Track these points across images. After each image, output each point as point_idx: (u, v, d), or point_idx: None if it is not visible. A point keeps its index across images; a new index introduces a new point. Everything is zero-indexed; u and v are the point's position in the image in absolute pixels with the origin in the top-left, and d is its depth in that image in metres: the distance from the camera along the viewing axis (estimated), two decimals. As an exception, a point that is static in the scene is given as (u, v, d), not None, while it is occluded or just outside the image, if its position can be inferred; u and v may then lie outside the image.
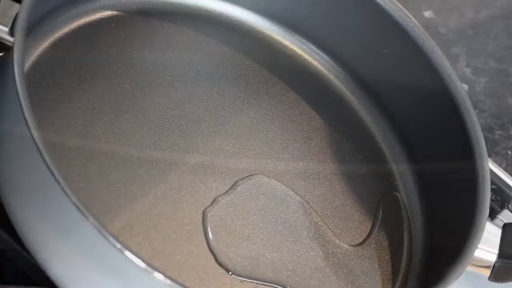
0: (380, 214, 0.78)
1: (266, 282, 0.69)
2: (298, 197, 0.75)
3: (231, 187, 0.73)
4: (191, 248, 0.68)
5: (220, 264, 0.69)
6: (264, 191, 0.74)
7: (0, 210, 0.62)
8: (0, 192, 0.62)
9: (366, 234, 0.77)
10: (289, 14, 0.84)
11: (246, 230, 0.71)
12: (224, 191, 0.72)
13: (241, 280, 0.69)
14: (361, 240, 0.76)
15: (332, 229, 0.75)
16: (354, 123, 0.85)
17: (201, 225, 0.70)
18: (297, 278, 0.71)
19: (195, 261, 0.68)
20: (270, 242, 0.72)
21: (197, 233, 0.69)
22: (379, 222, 0.78)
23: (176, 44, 0.80)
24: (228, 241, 0.70)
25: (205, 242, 0.69)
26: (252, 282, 0.69)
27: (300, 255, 0.72)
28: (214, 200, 0.71)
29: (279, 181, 0.75)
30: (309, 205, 0.75)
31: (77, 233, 0.58)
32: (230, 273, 0.69)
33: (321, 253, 0.74)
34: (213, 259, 0.68)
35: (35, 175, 0.59)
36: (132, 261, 0.56)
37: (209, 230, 0.70)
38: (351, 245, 0.75)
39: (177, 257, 0.67)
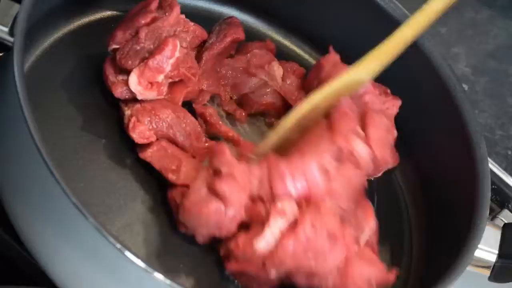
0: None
1: None
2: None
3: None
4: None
5: None
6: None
7: (0, 210, 0.62)
8: (0, 192, 0.62)
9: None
10: (290, 15, 0.84)
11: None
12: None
13: None
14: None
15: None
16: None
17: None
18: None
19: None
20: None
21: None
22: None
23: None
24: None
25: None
26: None
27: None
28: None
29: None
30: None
31: (77, 233, 0.58)
32: None
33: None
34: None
35: (35, 175, 0.59)
36: (132, 261, 0.56)
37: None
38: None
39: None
